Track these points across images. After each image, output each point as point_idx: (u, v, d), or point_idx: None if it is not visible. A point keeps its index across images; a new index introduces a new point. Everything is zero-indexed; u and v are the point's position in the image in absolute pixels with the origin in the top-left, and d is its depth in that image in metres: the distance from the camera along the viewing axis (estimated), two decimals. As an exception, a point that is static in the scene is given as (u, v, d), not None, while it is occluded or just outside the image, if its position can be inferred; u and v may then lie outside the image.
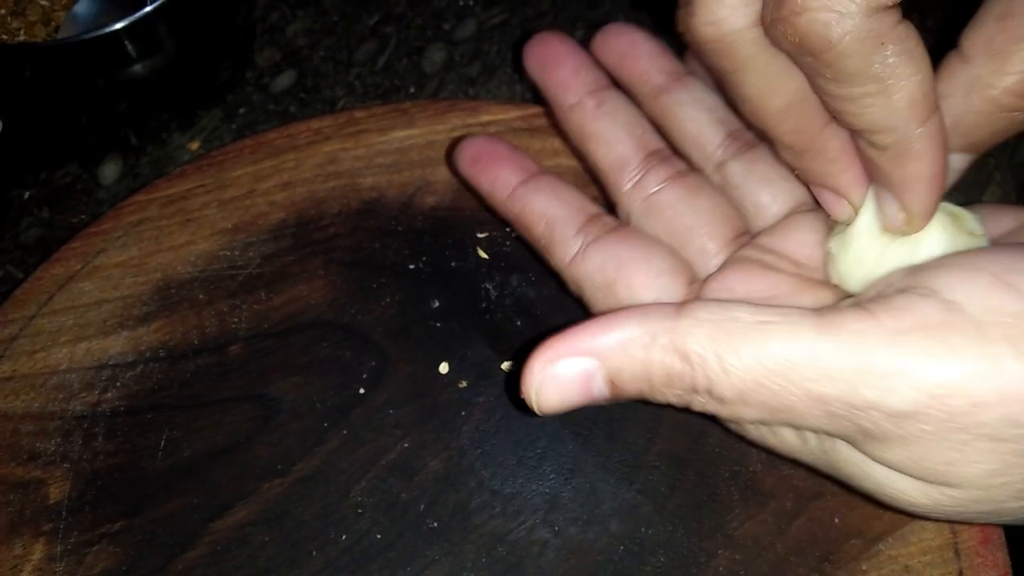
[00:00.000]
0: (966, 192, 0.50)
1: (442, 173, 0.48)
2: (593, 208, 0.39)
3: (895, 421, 0.26)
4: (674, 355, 0.28)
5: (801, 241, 0.35)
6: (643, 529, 0.37)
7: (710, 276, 0.36)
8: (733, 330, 0.27)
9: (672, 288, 0.35)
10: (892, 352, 0.26)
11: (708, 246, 0.37)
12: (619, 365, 0.29)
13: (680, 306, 0.29)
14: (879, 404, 0.26)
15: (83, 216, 0.54)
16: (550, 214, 0.39)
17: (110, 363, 0.43)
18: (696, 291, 0.35)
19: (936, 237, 0.31)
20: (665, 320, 0.28)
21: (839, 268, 0.34)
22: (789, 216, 0.37)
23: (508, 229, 0.46)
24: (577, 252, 0.37)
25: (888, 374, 0.26)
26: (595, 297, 0.37)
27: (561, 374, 0.29)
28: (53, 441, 0.41)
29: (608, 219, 0.39)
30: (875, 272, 0.32)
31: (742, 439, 0.35)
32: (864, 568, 0.36)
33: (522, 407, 0.32)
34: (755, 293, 0.33)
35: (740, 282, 0.34)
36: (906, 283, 0.28)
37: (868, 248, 0.32)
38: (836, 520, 0.37)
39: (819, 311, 0.28)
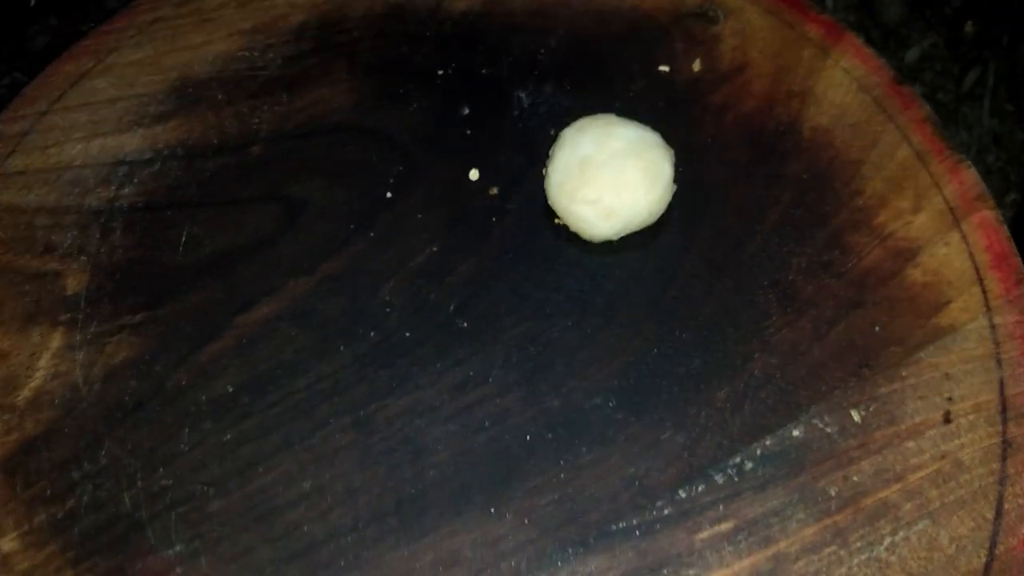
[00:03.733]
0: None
1: (473, -23, 0.45)
2: None
3: None
4: None
5: None
6: (678, 333, 0.37)
7: None
8: None
9: None
10: None
11: None
12: None
13: None
14: None
15: (92, 24, 0.51)
16: None
17: (126, 159, 0.41)
18: None
19: None
20: None
21: None
22: None
23: (544, 36, 0.44)
24: None
25: None
26: None
27: None
28: (69, 234, 0.39)
29: None
30: None
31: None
32: (904, 374, 0.35)
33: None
34: None
35: None
36: None
37: None
38: (876, 328, 0.36)
39: None
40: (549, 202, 0.38)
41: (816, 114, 0.41)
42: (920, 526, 0.33)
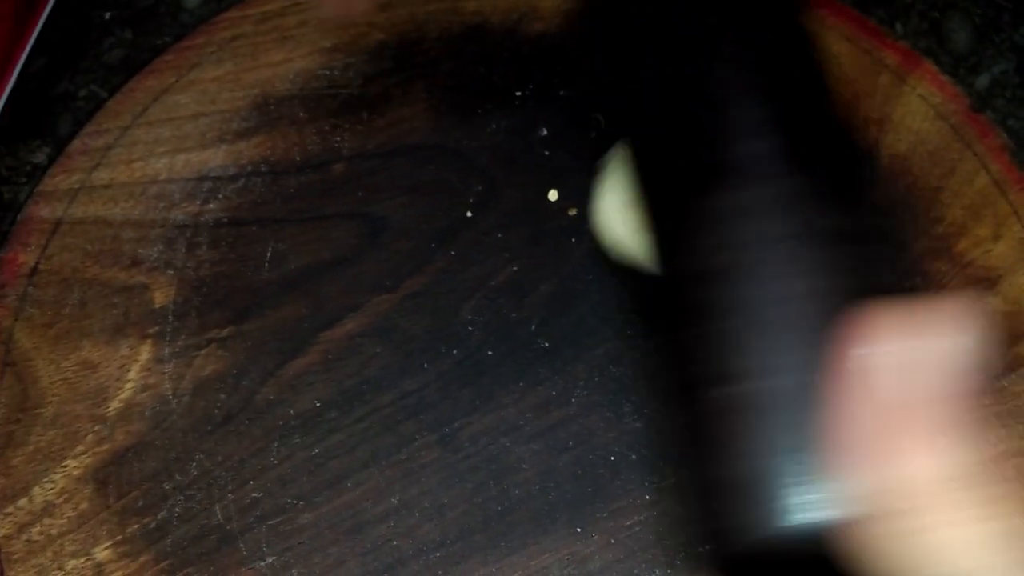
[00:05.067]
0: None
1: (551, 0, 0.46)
2: None
3: None
4: None
5: None
6: (761, 357, 0.37)
7: None
8: None
9: None
10: None
11: None
12: None
13: None
14: None
15: (167, 38, 0.52)
16: None
17: (211, 175, 0.42)
18: None
19: None
20: None
21: None
22: None
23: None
24: None
25: None
26: None
27: None
28: (156, 248, 0.40)
29: None
30: None
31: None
32: (986, 402, 0.35)
33: None
34: None
35: None
36: None
37: None
38: (959, 356, 0.36)
39: None
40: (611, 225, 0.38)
41: (894, 141, 0.41)
42: (1009, 555, 0.33)
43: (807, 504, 0.24)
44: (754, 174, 0.28)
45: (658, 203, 0.31)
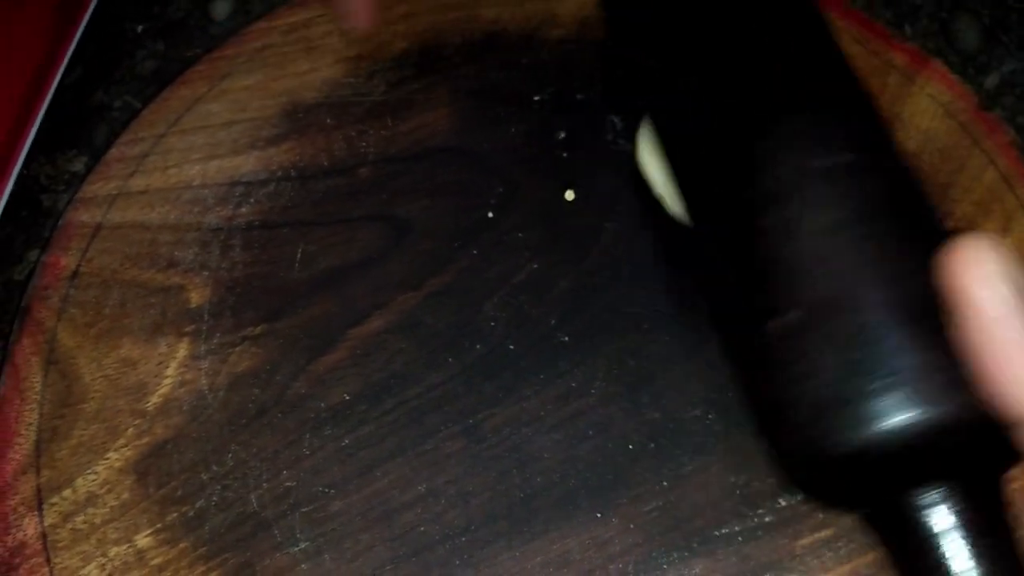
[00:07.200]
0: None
1: (568, 6, 0.47)
2: None
3: None
4: None
5: None
6: (774, 349, 0.38)
7: None
8: None
9: None
10: None
11: None
12: None
13: None
14: None
15: (197, 50, 0.54)
16: None
17: (243, 180, 0.43)
18: None
19: None
20: None
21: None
22: None
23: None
24: None
25: None
26: None
27: None
28: (191, 250, 0.42)
29: None
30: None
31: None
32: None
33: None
34: None
35: None
36: None
37: None
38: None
39: None
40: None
41: (904, 139, 0.42)
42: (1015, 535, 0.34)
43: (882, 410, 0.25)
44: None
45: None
